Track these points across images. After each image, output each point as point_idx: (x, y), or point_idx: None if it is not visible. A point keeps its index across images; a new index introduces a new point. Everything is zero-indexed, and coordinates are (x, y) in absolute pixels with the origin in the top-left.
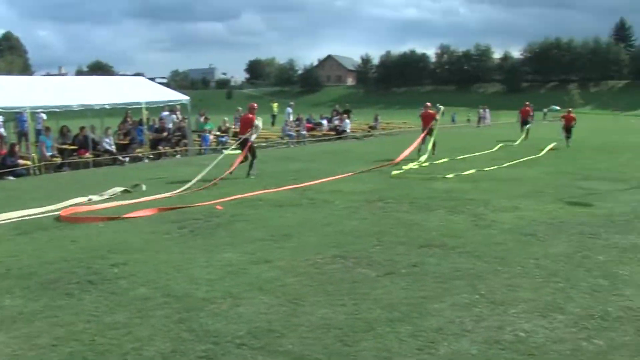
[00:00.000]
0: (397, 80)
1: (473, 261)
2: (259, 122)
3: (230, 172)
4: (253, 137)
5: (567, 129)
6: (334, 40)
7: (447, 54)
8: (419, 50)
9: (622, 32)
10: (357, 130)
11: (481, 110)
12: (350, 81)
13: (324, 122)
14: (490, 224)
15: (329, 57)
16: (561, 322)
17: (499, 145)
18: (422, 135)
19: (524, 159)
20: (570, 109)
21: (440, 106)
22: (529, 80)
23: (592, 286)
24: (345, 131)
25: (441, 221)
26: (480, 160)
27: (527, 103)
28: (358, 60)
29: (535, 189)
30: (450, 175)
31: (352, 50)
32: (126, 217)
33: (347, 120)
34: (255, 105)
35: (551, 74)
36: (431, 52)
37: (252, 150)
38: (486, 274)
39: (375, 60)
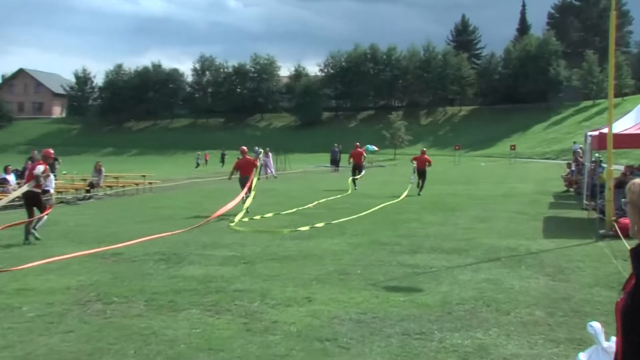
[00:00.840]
0: (135, 111)
1: None
2: (38, 170)
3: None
4: (52, 192)
5: (421, 173)
6: (30, 46)
7: (211, 69)
8: (169, 63)
9: (464, 36)
10: (68, 189)
11: (261, 155)
12: (58, 111)
13: (11, 177)
14: (270, 326)
15: (22, 73)
16: None
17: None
18: (247, 186)
19: (360, 214)
20: (424, 149)
21: (260, 149)
22: (333, 107)
23: None
24: (48, 191)
25: (194, 326)
26: (306, 216)
27: (357, 144)
28: (71, 79)
29: (338, 270)
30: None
31: (61, 62)
32: None
33: (52, 175)
34: (52, 151)
35: (364, 99)
36: (187, 66)
37: (41, 205)
38: None
39: (99, 79)
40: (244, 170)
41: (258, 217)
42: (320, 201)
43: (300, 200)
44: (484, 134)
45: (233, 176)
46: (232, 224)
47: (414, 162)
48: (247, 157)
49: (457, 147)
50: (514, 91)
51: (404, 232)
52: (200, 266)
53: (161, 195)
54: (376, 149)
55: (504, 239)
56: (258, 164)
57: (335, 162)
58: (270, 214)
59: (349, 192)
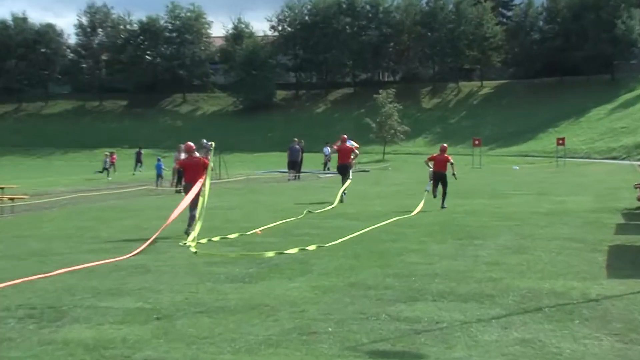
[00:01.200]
0: None
1: None
2: None
3: None
4: None
5: (439, 179)
6: None
7: (105, 26)
8: (39, 16)
9: None
10: None
11: (177, 153)
12: None
13: None
14: None
15: None
16: None
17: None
18: (194, 193)
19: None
20: (444, 145)
21: (210, 142)
22: (292, 84)
23: None
24: None
25: None
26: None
27: (345, 136)
28: None
29: (299, 327)
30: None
31: None
32: None
33: None
34: None
35: (339, 72)
36: (69, 21)
37: None
38: None
39: None
40: (190, 175)
41: (217, 237)
42: (271, 225)
43: (242, 223)
44: (517, 121)
45: (178, 185)
46: (190, 247)
47: (430, 163)
48: (195, 155)
49: (477, 142)
50: (562, 58)
51: (398, 269)
52: (90, 325)
53: (30, 217)
54: (356, 145)
55: (548, 280)
56: (210, 163)
57: (294, 165)
58: (235, 234)
59: (334, 204)
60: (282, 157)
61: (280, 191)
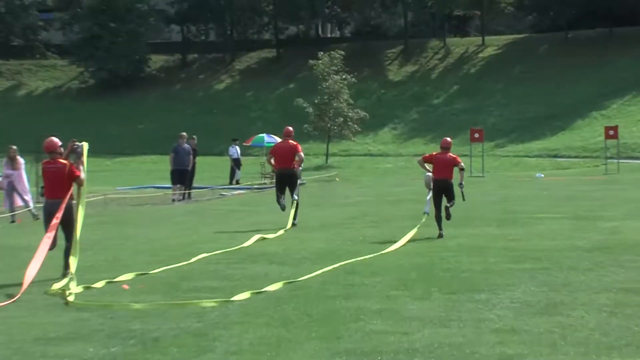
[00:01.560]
0: None
1: None
2: None
3: None
4: None
5: (441, 191)
6: None
7: None
8: None
9: None
10: None
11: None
12: None
13: None
14: None
15: None
16: None
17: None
18: (56, 217)
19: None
20: (447, 139)
21: (81, 143)
22: (178, 45)
23: None
24: None
25: None
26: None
27: (290, 128)
28: None
29: None
30: None
31: None
32: None
33: None
34: None
35: (250, 24)
36: None
37: None
38: None
39: None
40: (51, 187)
41: (101, 283)
42: (150, 272)
43: (102, 273)
44: (539, 101)
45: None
46: (67, 297)
47: (428, 166)
48: (60, 160)
49: (477, 136)
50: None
51: (353, 342)
52: None
53: None
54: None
55: (596, 357)
56: (81, 174)
57: (182, 176)
58: (131, 274)
59: (282, 232)
60: (162, 164)
61: (160, 219)
